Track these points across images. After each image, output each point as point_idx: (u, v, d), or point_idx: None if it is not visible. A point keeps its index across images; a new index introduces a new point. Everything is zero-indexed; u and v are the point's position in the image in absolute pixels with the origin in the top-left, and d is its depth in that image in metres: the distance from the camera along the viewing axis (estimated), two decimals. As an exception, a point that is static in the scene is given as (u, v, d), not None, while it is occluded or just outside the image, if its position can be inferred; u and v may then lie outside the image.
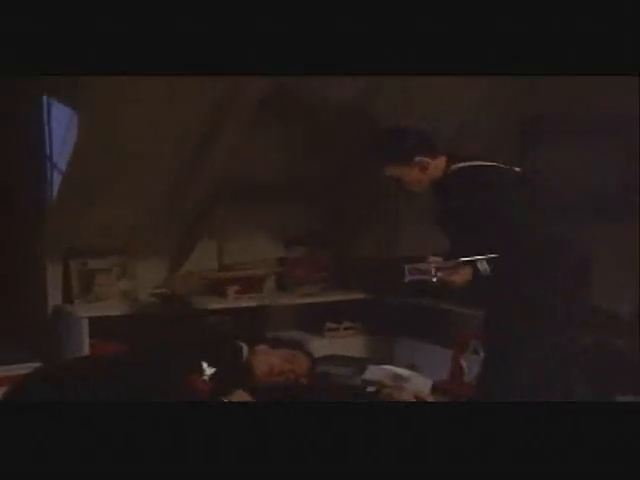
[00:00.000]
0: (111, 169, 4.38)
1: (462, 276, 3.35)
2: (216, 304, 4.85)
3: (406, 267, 3.42)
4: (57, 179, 4.46)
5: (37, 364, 4.25)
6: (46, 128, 4.50)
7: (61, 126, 4.35)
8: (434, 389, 3.53)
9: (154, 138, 4.33)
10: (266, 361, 3.61)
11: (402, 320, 4.95)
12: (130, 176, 4.50)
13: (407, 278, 3.41)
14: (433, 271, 3.36)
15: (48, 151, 4.55)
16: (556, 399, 3.31)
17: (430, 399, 3.45)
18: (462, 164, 3.45)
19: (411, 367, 3.80)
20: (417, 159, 3.45)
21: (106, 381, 3.36)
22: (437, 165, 3.48)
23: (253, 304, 4.89)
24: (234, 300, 4.87)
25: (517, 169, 3.50)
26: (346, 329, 5.19)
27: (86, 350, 4.43)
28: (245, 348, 3.71)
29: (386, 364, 4.04)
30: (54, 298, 4.77)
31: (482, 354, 3.69)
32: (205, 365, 3.43)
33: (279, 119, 4.61)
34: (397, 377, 3.65)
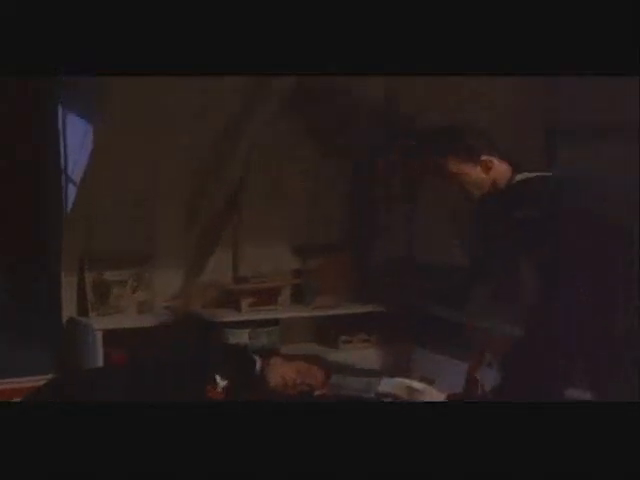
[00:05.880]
0: (127, 180, 4.39)
1: None
2: (230, 317, 4.83)
3: None
4: (72, 189, 4.47)
5: (51, 376, 4.25)
6: (61, 138, 4.51)
7: (76, 136, 4.36)
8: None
9: (170, 146, 4.35)
10: (280, 373, 3.61)
11: (417, 332, 4.92)
12: (146, 188, 4.51)
13: None
14: None
15: (63, 162, 4.56)
16: (556, 399, 3.22)
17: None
18: (529, 174, 3.21)
19: (425, 380, 3.77)
20: (483, 157, 3.22)
21: (119, 392, 3.38)
22: (500, 170, 3.25)
23: (267, 317, 4.87)
24: (248, 312, 4.85)
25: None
26: (361, 341, 5.17)
27: (100, 362, 4.42)
28: (258, 360, 3.71)
29: (400, 376, 4.03)
30: (68, 309, 4.75)
31: (495, 368, 3.66)
32: (218, 377, 3.43)
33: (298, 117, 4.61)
34: (411, 389, 3.64)
